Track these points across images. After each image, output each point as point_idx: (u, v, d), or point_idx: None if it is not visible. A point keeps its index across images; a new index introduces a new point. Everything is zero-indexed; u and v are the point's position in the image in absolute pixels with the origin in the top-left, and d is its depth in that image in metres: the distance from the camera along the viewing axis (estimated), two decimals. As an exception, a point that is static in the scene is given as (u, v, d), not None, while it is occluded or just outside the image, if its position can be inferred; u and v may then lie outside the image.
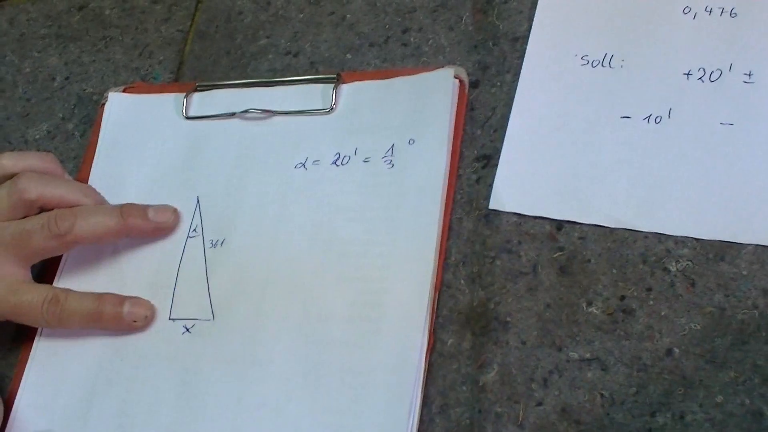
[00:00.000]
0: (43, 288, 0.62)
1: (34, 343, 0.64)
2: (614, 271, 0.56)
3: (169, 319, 0.62)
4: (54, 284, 0.66)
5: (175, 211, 0.65)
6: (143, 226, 0.64)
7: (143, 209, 0.64)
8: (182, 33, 0.76)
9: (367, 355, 0.56)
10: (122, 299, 0.62)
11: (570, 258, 0.57)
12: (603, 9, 0.64)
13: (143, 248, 0.66)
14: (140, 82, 0.75)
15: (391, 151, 0.63)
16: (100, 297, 0.62)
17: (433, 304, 0.57)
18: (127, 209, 0.63)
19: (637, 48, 0.62)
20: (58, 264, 0.67)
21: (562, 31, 0.64)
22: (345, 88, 0.67)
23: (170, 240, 0.65)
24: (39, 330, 0.64)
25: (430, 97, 0.64)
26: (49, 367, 0.63)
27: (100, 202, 0.65)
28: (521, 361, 0.55)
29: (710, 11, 0.61)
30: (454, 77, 0.64)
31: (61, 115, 0.75)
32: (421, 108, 0.63)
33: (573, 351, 0.54)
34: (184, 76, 0.74)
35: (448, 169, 0.61)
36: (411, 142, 0.62)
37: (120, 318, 0.62)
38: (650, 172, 0.57)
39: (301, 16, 0.73)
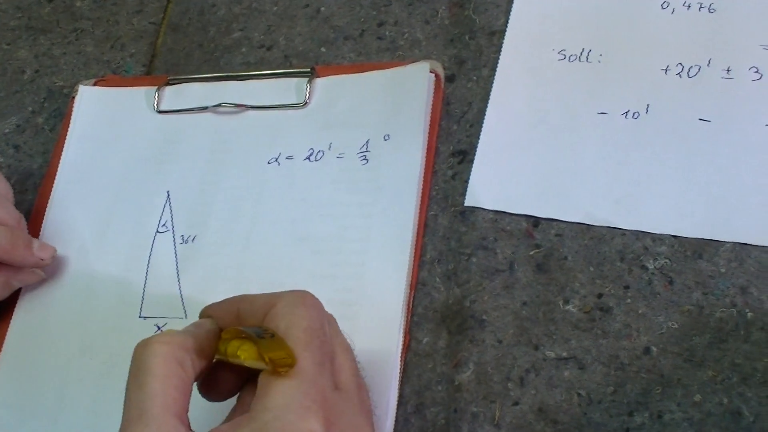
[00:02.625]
0: None
1: (5, 342, 0.63)
2: (591, 268, 0.55)
3: (140, 317, 0.61)
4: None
5: (55, 252, 0.63)
6: (24, 256, 0.61)
7: (29, 240, 0.61)
8: (154, 25, 0.75)
9: None
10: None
11: (547, 255, 0.56)
12: (581, 3, 0.63)
13: (110, 243, 0.65)
14: (112, 75, 0.73)
15: (365, 146, 0.62)
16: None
17: (409, 303, 0.57)
18: (16, 235, 0.61)
19: (615, 43, 0.61)
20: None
21: (539, 26, 0.64)
22: (319, 82, 0.66)
23: (138, 235, 0.64)
24: (9, 329, 0.63)
25: (406, 92, 0.63)
26: (19, 367, 0.62)
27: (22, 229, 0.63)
28: (497, 360, 0.54)
29: (689, 6, 0.61)
30: (430, 71, 0.63)
31: (30, 109, 0.74)
32: (397, 103, 0.63)
33: (550, 350, 0.54)
34: (157, 69, 0.73)
35: (424, 164, 0.60)
36: (386, 137, 0.61)
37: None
38: (628, 168, 0.57)
39: (275, 8, 0.72)
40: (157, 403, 0.43)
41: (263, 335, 0.44)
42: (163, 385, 0.43)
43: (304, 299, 0.46)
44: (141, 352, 0.45)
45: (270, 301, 0.47)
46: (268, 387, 0.43)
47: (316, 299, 0.48)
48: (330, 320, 0.49)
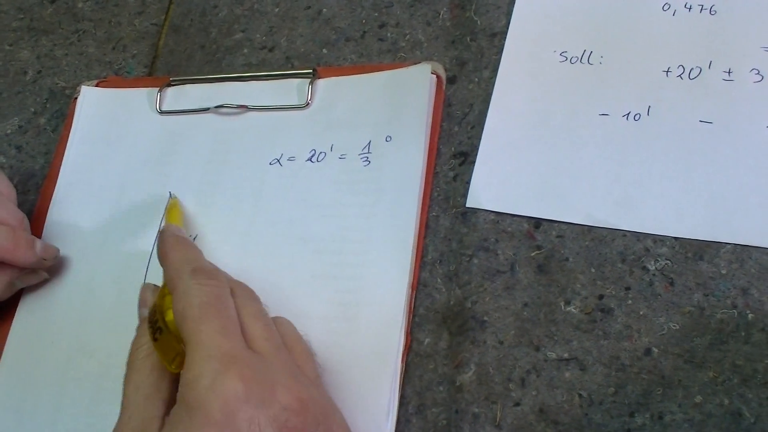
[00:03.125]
0: None
1: (6, 343, 0.63)
2: (592, 270, 0.55)
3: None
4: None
5: (58, 253, 0.64)
6: (26, 256, 0.61)
7: (32, 240, 0.62)
8: (156, 27, 0.75)
9: (343, 354, 0.56)
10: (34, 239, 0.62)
11: (548, 257, 0.56)
12: (582, 5, 0.63)
13: (111, 243, 0.65)
14: (113, 76, 0.74)
15: (367, 147, 0.62)
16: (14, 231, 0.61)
17: (410, 303, 0.56)
18: (18, 235, 0.61)
19: (616, 45, 0.61)
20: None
21: (540, 27, 0.64)
22: (321, 83, 0.66)
23: (138, 235, 0.64)
24: (10, 329, 0.63)
25: (407, 93, 0.63)
26: (19, 367, 0.62)
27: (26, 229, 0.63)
28: (498, 361, 0.54)
29: (690, 8, 0.61)
30: (432, 73, 0.63)
31: (32, 110, 0.74)
32: (398, 104, 0.63)
33: (551, 351, 0.53)
34: (158, 70, 0.73)
35: (425, 166, 0.60)
36: (388, 139, 0.61)
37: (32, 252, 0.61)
38: (629, 170, 0.57)
39: (277, 10, 0.72)
40: (140, 393, 0.49)
41: (155, 333, 0.50)
42: (147, 377, 0.50)
43: (197, 277, 0.50)
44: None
45: (171, 284, 0.51)
46: (185, 366, 0.46)
47: (212, 271, 0.52)
48: (237, 292, 0.52)
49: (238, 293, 0.52)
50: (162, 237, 0.56)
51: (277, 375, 0.46)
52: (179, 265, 0.52)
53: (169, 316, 0.50)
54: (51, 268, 0.64)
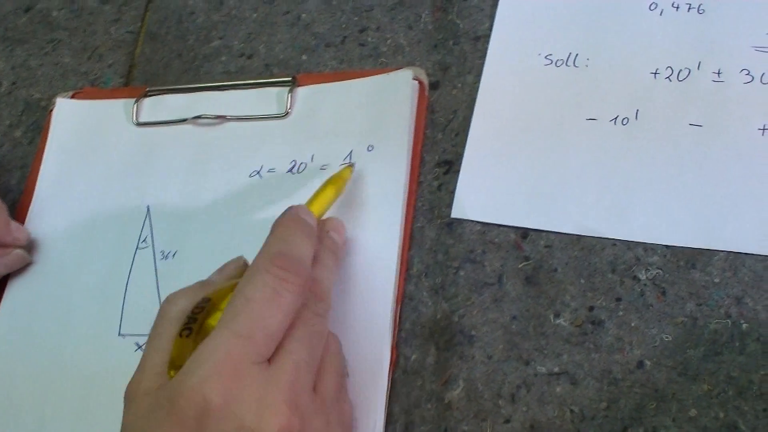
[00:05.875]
0: None
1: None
2: (582, 280, 0.54)
3: (119, 335, 0.60)
4: (3, 298, 0.64)
5: (29, 236, 0.64)
6: (3, 232, 0.62)
7: (7, 219, 0.62)
8: (133, 35, 0.73)
9: None
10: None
11: (536, 267, 0.55)
12: (567, 6, 0.62)
13: (90, 259, 0.63)
14: (89, 87, 0.72)
15: (349, 157, 0.60)
16: None
17: (396, 317, 0.55)
18: None
19: (602, 46, 0.60)
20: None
21: (524, 30, 0.62)
22: (300, 91, 0.65)
23: (118, 250, 0.63)
24: None
25: (389, 101, 0.61)
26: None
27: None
28: (487, 376, 0.53)
29: (677, 7, 0.59)
30: (414, 79, 0.62)
31: (8, 122, 0.72)
32: (380, 112, 0.61)
33: (541, 365, 0.52)
34: (135, 79, 0.71)
35: (409, 175, 0.59)
36: (370, 148, 0.60)
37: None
38: (618, 176, 0.56)
39: (255, 15, 0.70)
40: (157, 358, 0.48)
41: (184, 330, 0.49)
42: (168, 344, 0.49)
43: (276, 263, 0.47)
44: (162, 308, 0.51)
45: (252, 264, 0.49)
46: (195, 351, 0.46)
47: (299, 264, 0.48)
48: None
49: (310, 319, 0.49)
50: (283, 213, 0.52)
51: (276, 396, 0.45)
52: (272, 247, 0.49)
53: (214, 320, 0.48)
54: (27, 286, 0.64)
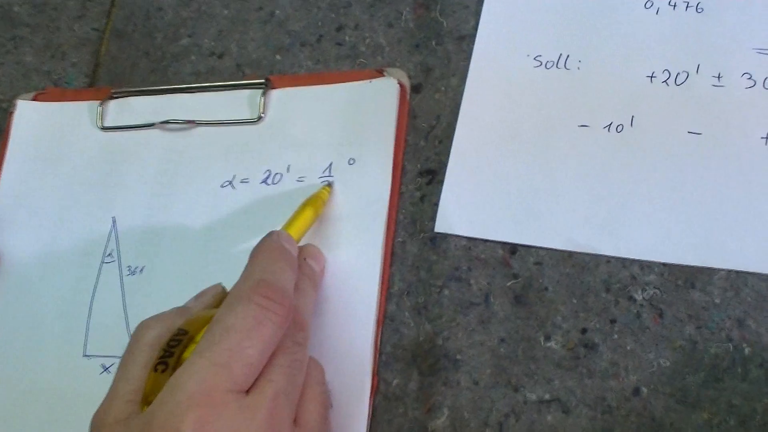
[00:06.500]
0: None
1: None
2: (574, 300, 0.52)
3: (84, 356, 0.58)
4: None
5: None
6: None
7: None
8: (98, 32, 0.70)
9: None
10: None
11: (525, 286, 0.53)
12: (558, 4, 0.59)
13: (53, 274, 0.61)
14: (52, 88, 0.68)
15: (328, 170, 0.57)
16: None
17: (376, 340, 0.53)
18: None
19: (595, 47, 0.57)
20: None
21: (512, 29, 0.59)
22: (275, 94, 0.61)
23: (83, 265, 0.60)
24: None
25: (372, 111, 0.58)
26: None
27: None
28: (474, 404, 0.51)
29: (674, 6, 0.56)
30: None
31: (-32, 125, 0.69)
32: (362, 123, 0.58)
33: (531, 391, 0.50)
34: (100, 79, 0.68)
35: (390, 187, 0.56)
36: (351, 161, 0.57)
37: None
38: (612, 188, 0.53)
39: (226, 12, 0.66)
40: (127, 387, 0.46)
41: (158, 364, 0.46)
42: (140, 371, 0.46)
43: (259, 291, 0.46)
44: (135, 333, 0.49)
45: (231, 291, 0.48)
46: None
47: (283, 294, 0.46)
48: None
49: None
50: (264, 239, 0.50)
51: (253, 428, 0.43)
52: (254, 274, 0.47)
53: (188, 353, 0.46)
54: None
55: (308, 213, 0.54)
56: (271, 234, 0.50)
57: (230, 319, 0.44)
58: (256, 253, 0.49)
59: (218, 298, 0.52)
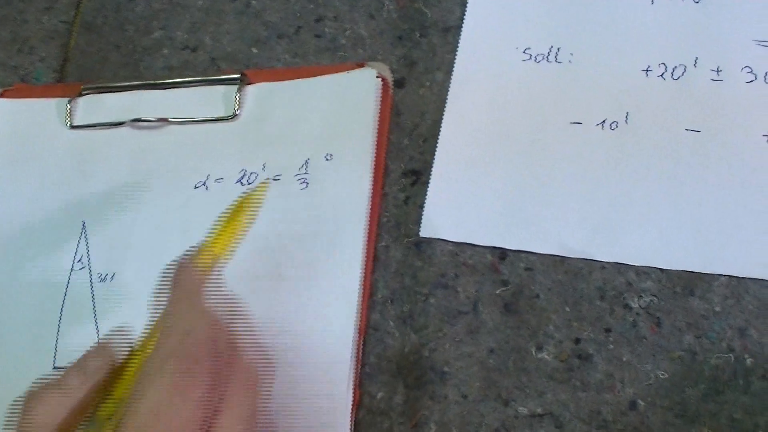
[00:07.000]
0: None
1: None
2: (567, 308, 0.51)
3: (54, 368, 0.57)
4: None
5: None
6: None
7: None
8: (66, 24, 0.68)
9: (282, 413, 0.50)
10: None
11: (516, 293, 0.51)
12: (547, -7, 0.58)
13: (21, 282, 0.59)
14: (20, 84, 0.67)
15: (305, 167, 0.56)
16: None
17: (358, 351, 0.51)
18: None
19: (587, 39, 0.56)
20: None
21: (500, 20, 0.58)
22: (250, 89, 0.60)
23: (51, 272, 0.59)
24: None
25: (350, 103, 0.57)
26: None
27: None
28: (462, 419, 0.49)
29: (671, -5, 0.55)
30: (377, 76, 0.57)
31: (-69, 122, 0.66)
32: (340, 116, 0.57)
33: (522, 405, 0.49)
34: (70, 74, 0.66)
35: (372, 187, 0.54)
36: (328, 157, 0.55)
37: None
38: (606, 189, 0.52)
39: (200, 3, 0.65)
40: None
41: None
42: None
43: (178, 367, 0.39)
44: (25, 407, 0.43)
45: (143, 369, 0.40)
46: None
47: (201, 360, 0.40)
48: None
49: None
50: (164, 281, 0.44)
51: None
52: (165, 339, 0.40)
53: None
54: None
55: (239, 220, 0.46)
56: (169, 269, 0.43)
57: (151, 394, 0.38)
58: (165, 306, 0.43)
59: (105, 367, 0.43)
